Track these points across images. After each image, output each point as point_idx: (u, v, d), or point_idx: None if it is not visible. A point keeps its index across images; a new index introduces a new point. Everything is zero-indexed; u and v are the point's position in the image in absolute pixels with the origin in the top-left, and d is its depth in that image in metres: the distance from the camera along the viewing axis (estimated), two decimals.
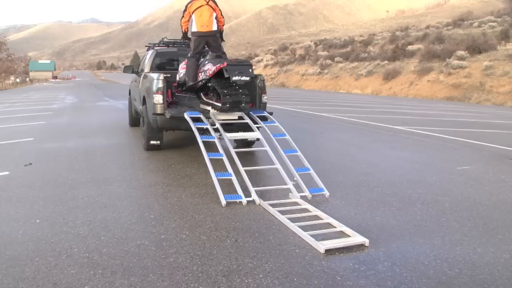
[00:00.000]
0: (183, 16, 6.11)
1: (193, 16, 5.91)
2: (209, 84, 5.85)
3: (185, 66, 6.31)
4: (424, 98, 26.24)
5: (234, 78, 5.10)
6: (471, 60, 26.96)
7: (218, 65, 5.27)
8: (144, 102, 6.78)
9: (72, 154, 6.57)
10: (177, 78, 6.66)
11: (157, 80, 6.04)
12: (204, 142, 4.99)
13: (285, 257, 2.99)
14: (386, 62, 34.18)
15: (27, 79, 71.92)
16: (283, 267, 2.83)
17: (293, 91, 34.97)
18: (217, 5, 6.05)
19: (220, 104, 5.51)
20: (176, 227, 3.51)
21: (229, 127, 5.58)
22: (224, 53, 6.08)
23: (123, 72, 9.67)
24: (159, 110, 6.00)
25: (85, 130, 9.38)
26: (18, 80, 60.07)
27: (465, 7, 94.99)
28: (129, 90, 9.65)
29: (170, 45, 8.33)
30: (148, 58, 7.98)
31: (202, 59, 6.07)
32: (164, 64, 7.87)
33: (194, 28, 5.91)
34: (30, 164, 5.83)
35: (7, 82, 52.28)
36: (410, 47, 34.51)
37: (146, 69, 7.63)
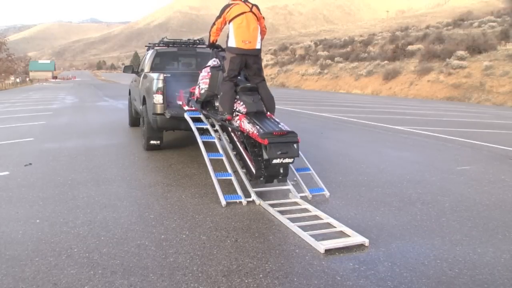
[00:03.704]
0: (214, 24, 4.80)
1: (231, 25, 4.61)
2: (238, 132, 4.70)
3: (207, 80, 5.13)
4: (424, 98, 26.24)
5: (275, 161, 3.94)
6: (471, 60, 26.97)
7: (255, 132, 4.08)
8: (144, 102, 6.78)
9: (72, 154, 6.57)
10: (196, 93, 5.46)
11: (157, 80, 6.03)
12: (204, 142, 4.99)
13: (285, 257, 2.99)
14: (386, 62, 34.19)
15: (27, 79, 71.97)
16: (283, 267, 2.83)
17: (293, 91, 34.97)
18: (261, 12, 4.82)
19: (252, 168, 4.34)
20: (176, 227, 3.51)
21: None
22: (264, 79, 4.89)
23: (123, 72, 9.67)
24: (159, 110, 6.00)
25: (85, 130, 9.38)
26: (18, 80, 60.08)
27: (465, 7, 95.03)
28: (129, 90, 9.66)
29: (170, 45, 8.33)
30: (148, 58, 7.97)
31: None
32: (164, 64, 7.87)
33: (231, 43, 4.59)
34: (30, 164, 5.83)
35: (7, 82, 52.28)
36: (410, 47, 34.51)
37: (146, 69, 7.62)
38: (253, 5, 4.74)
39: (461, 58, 27.32)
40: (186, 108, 5.71)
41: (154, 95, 6.02)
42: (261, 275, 2.70)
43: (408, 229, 3.56)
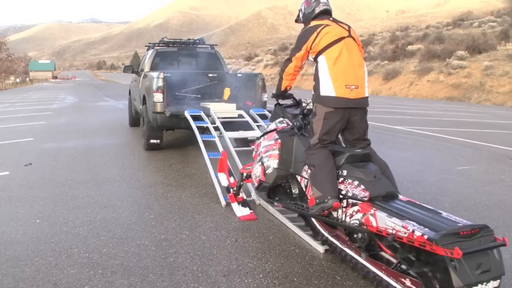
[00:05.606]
0: (290, 60, 3.13)
1: (322, 60, 2.93)
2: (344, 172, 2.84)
3: (276, 151, 3.27)
4: (424, 98, 26.24)
5: None
6: (471, 60, 26.98)
7: (420, 234, 2.14)
8: (144, 101, 6.79)
9: (72, 154, 6.58)
10: (257, 174, 3.44)
11: (157, 78, 6.04)
12: (204, 141, 4.99)
13: (285, 257, 2.99)
14: (386, 62, 34.21)
15: (27, 79, 71.88)
16: (283, 267, 2.83)
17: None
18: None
19: None
20: (176, 227, 3.51)
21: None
22: (370, 142, 3.23)
23: (123, 72, 9.69)
24: (159, 108, 6.01)
25: (85, 130, 9.38)
26: (18, 80, 60.02)
27: (465, 7, 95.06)
28: (129, 90, 9.67)
29: (170, 45, 8.35)
30: (148, 57, 7.99)
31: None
32: (164, 63, 7.88)
33: (326, 89, 2.88)
34: (30, 164, 5.83)
35: (7, 82, 52.24)
36: (410, 47, 34.54)
37: (146, 68, 7.64)
38: (349, 26, 3.09)
39: (461, 58, 27.34)
40: (236, 204, 3.90)
41: (154, 94, 6.03)
42: (261, 275, 2.70)
43: None
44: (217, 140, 5.07)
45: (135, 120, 9.18)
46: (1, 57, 64.56)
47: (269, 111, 6.20)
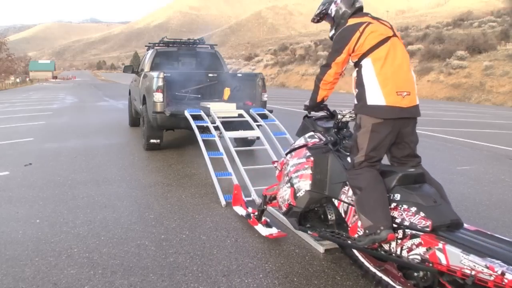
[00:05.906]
0: (328, 66, 2.68)
1: (367, 63, 2.54)
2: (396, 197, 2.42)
3: (309, 171, 2.83)
4: (424, 98, 26.25)
5: None
6: (471, 60, 27.00)
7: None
8: (144, 101, 6.79)
9: (72, 154, 6.57)
10: (284, 196, 2.98)
11: (157, 78, 6.04)
12: (204, 141, 4.99)
13: (285, 257, 2.99)
14: None
15: (27, 79, 71.85)
16: (283, 267, 2.83)
17: (293, 91, 34.97)
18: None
19: None
20: (176, 227, 3.51)
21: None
22: (419, 162, 2.91)
23: (123, 72, 9.69)
24: (159, 108, 6.01)
25: (85, 130, 9.38)
26: (18, 80, 59.99)
27: (465, 7, 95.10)
28: (129, 90, 9.67)
29: (170, 45, 8.35)
30: (148, 57, 7.99)
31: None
32: (164, 63, 7.89)
33: (374, 97, 2.50)
34: (30, 164, 5.83)
35: (7, 82, 52.23)
36: (410, 47, 34.51)
37: (146, 68, 7.64)
38: (390, 24, 2.73)
39: (461, 58, 27.37)
40: (260, 226, 3.43)
41: (154, 94, 6.03)
42: (261, 275, 2.70)
43: None
44: (217, 139, 5.07)
45: (135, 120, 9.18)
46: (1, 57, 64.54)
47: (269, 111, 6.21)
